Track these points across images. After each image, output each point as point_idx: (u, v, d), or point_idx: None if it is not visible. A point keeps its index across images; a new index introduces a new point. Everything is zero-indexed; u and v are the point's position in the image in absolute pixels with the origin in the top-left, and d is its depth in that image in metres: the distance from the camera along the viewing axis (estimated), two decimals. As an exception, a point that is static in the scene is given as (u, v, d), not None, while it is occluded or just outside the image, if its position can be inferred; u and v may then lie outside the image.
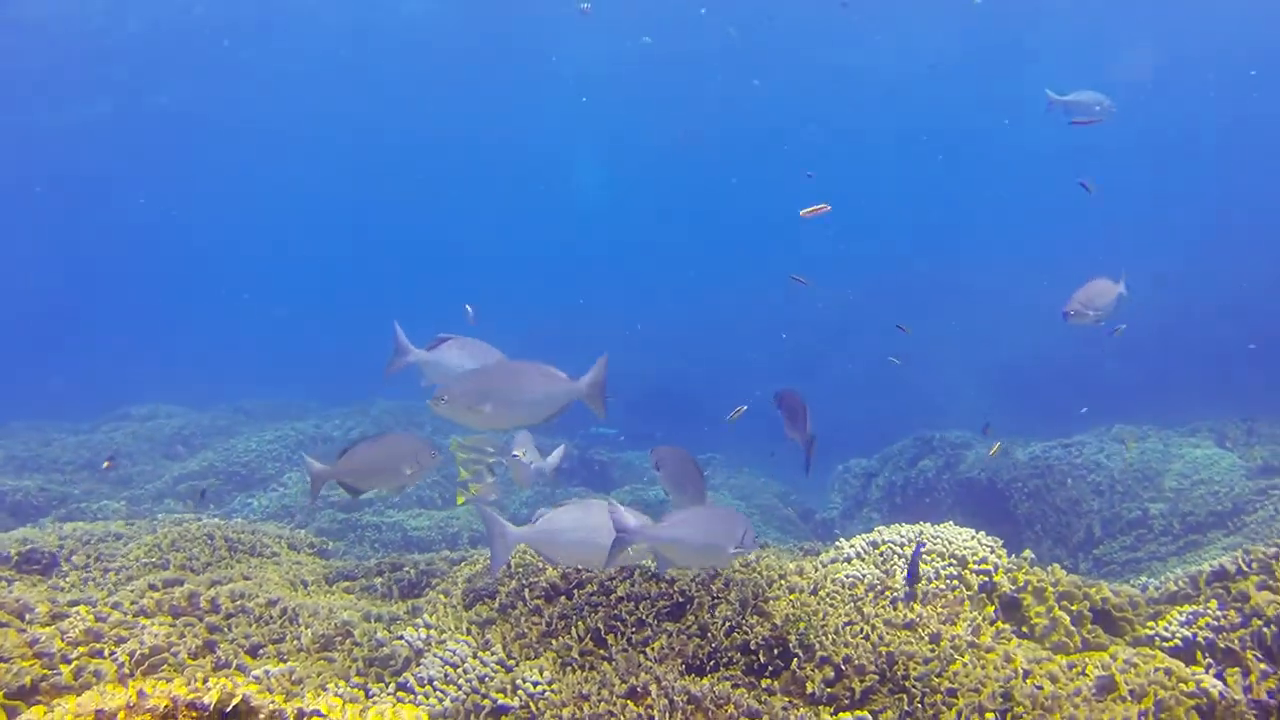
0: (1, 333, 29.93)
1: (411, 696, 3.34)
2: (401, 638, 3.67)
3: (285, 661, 3.57)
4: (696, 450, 3.90)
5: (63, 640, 3.30)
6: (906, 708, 3.19)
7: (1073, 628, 3.95)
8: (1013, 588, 4.09)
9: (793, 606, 3.68)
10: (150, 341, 29.85)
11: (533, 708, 3.17)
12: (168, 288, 37.49)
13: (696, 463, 3.82)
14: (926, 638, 3.58)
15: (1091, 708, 3.17)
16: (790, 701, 3.20)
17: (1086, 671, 3.45)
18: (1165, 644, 3.87)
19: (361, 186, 35.94)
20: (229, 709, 2.14)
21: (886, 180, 32.06)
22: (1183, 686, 3.31)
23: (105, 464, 10.43)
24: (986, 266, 24.18)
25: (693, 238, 35.93)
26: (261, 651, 3.70)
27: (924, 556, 4.20)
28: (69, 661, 3.19)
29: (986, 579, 4.13)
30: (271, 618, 3.99)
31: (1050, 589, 4.07)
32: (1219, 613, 3.83)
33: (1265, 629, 3.58)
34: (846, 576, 4.09)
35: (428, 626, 3.74)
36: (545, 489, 9.57)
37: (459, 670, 3.42)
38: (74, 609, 3.58)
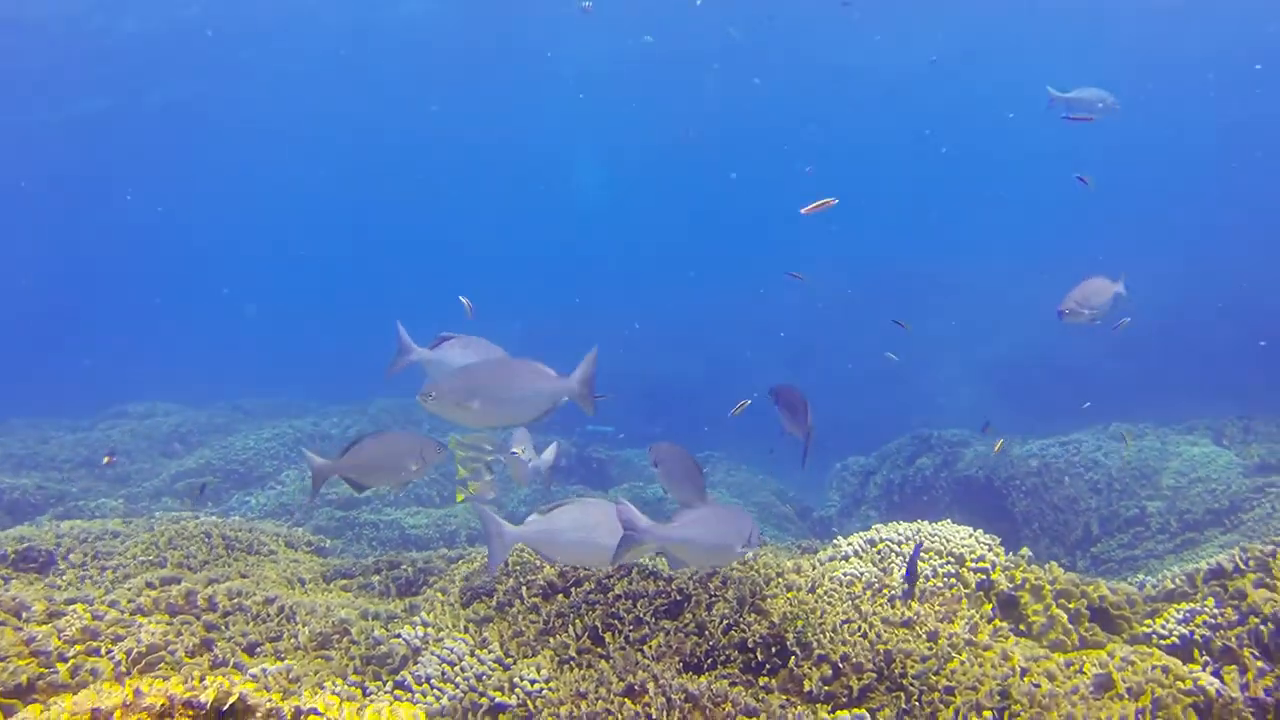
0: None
1: (409, 695, 3.33)
2: (399, 636, 3.67)
3: (282, 660, 3.57)
4: (694, 448, 3.91)
5: (59, 638, 3.29)
6: (904, 705, 3.19)
7: (1070, 626, 3.95)
8: (1010, 586, 4.09)
9: (790, 604, 3.68)
10: (148, 340, 29.84)
11: (530, 706, 3.17)
12: (166, 286, 37.47)
13: (695, 460, 3.82)
14: (924, 636, 3.58)
15: (1089, 706, 3.17)
16: (788, 699, 3.20)
17: (1084, 669, 3.45)
18: (1162, 642, 3.87)
19: (359, 185, 35.94)
20: (226, 707, 2.14)
21: (886, 178, 32.09)
22: (1180, 684, 3.31)
23: (106, 459, 10.43)
24: (985, 264, 24.19)
25: (692, 237, 35.95)
26: (259, 650, 3.70)
27: (921, 554, 4.20)
28: (66, 660, 3.19)
29: (984, 577, 4.13)
30: (269, 616, 3.99)
31: (1048, 587, 4.08)
32: (1216, 610, 3.83)
33: (1262, 627, 3.59)
34: (844, 574, 4.09)
35: (425, 624, 3.74)
36: (538, 487, 9.57)
37: (456, 668, 3.42)
38: (71, 607, 3.58)
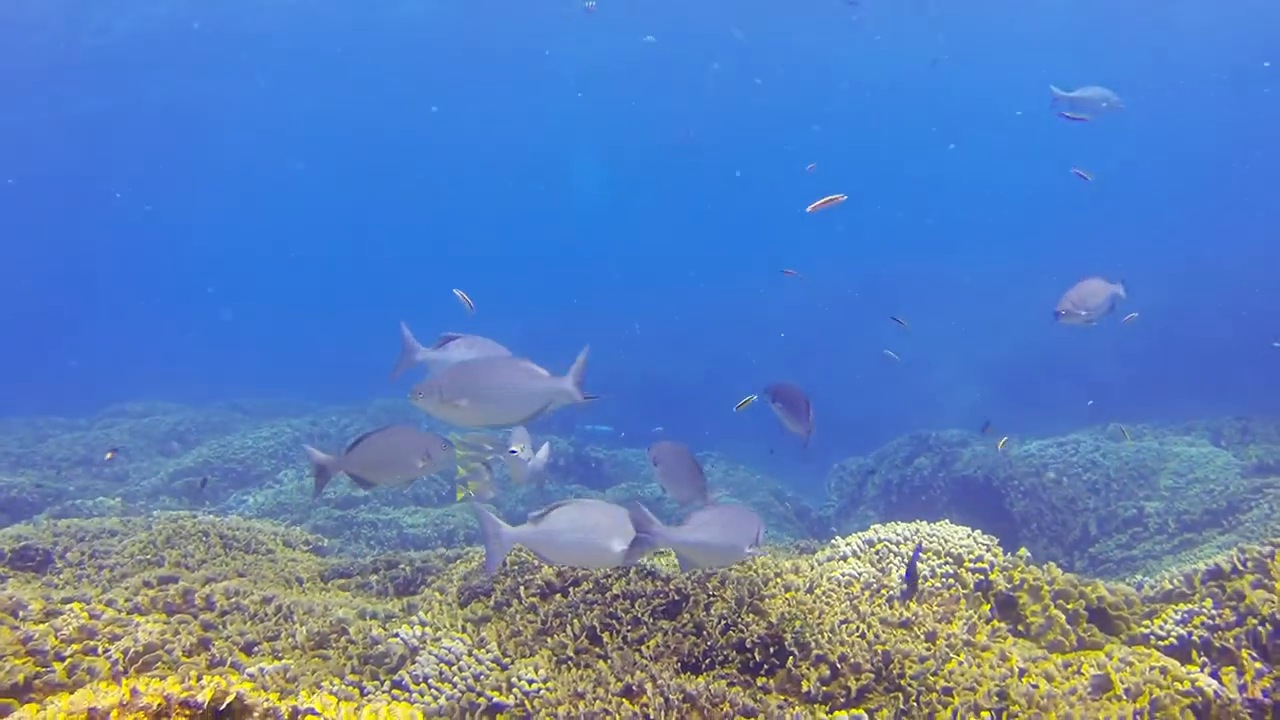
0: (-1, 329, 29.94)
1: (406, 694, 3.33)
2: (397, 635, 3.66)
3: (280, 659, 3.56)
4: (693, 447, 3.90)
5: (56, 638, 3.29)
6: (902, 706, 3.19)
7: (1068, 626, 3.95)
8: (1008, 586, 4.09)
9: (788, 605, 3.68)
10: (145, 339, 29.81)
11: (528, 706, 3.16)
12: (165, 287, 37.46)
13: (695, 459, 3.83)
14: (922, 636, 3.58)
15: (1087, 706, 3.17)
16: (786, 700, 3.19)
17: (1082, 670, 3.45)
18: (1161, 643, 3.88)
19: (358, 185, 35.92)
20: (223, 707, 2.13)
21: (886, 179, 32.07)
22: (1178, 685, 3.31)
23: (108, 455, 10.43)
24: (985, 264, 24.21)
25: (692, 237, 35.95)
26: (256, 649, 3.69)
27: (920, 555, 4.20)
28: (62, 659, 3.18)
29: (982, 577, 4.13)
30: (266, 615, 3.98)
31: (1046, 587, 4.07)
32: (1214, 611, 3.83)
33: (1260, 628, 3.59)
34: (842, 575, 4.09)
35: (423, 624, 3.73)
36: (532, 487, 9.57)
37: (454, 668, 3.41)
38: (68, 606, 3.57)
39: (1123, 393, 12.92)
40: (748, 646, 3.43)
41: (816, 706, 3.20)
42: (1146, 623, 4.06)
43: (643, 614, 3.62)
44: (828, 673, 3.28)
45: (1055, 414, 11.45)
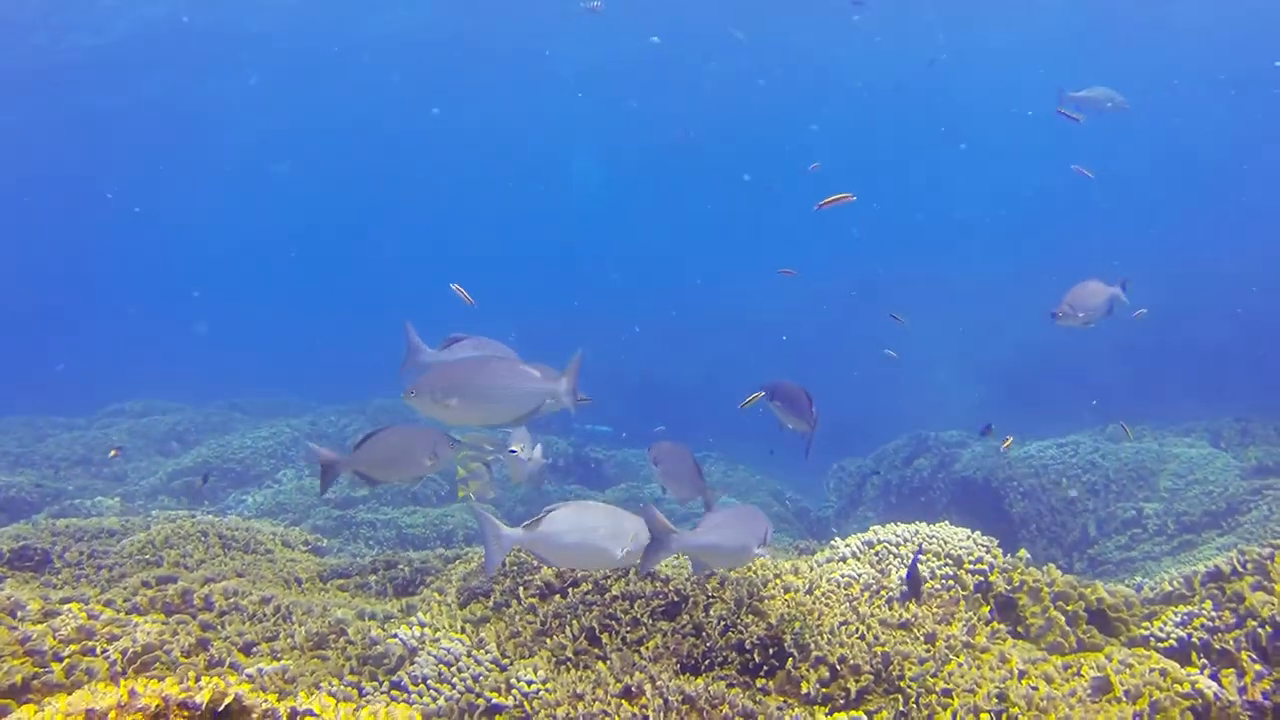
0: (-2, 328, 29.91)
1: (405, 695, 3.32)
2: (395, 636, 3.66)
3: (279, 660, 3.56)
4: (692, 448, 3.90)
5: (54, 638, 3.28)
6: (902, 708, 3.19)
7: (1068, 628, 3.95)
8: (1008, 588, 4.09)
9: (788, 606, 3.68)
10: (143, 340, 29.80)
11: (527, 707, 3.16)
12: (163, 287, 37.42)
13: (695, 459, 3.83)
14: (922, 638, 3.57)
15: (1087, 709, 3.17)
16: (785, 701, 3.19)
17: (1082, 672, 3.45)
18: (1160, 645, 3.87)
19: (358, 185, 35.91)
20: (221, 708, 2.13)
21: (886, 178, 32.08)
22: (1178, 687, 3.31)
23: (112, 453, 10.42)
24: (983, 264, 24.22)
25: (691, 237, 35.95)
26: (255, 649, 3.69)
27: (920, 557, 4.20)
28: (61, 659, 3.18)
29: (982, 579, 4.13)
30: (265, 615, 3.98)
31: (1046, 589, 4.07)
32: (1214, 614, 3.83)
33: (1260, 630, 3.59)
34: (842, 576, 4.09)
35: (422, 625, 3.73)
36: (530, 487, 9.57)
37: (453, 669, 3.41)
38: (66, 606, 3.56)
39: (1122, 394, 12.92)
40: (747, 648, 3.42)
41: (816, 708, 3.19)
42: (1146, 624, 4.05)
43: (642, 615, 3.61)
44: (827, 674, 3.28)
45: (1055, 415, 11.44)
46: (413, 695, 3.32)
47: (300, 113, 27.36)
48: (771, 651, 3.41)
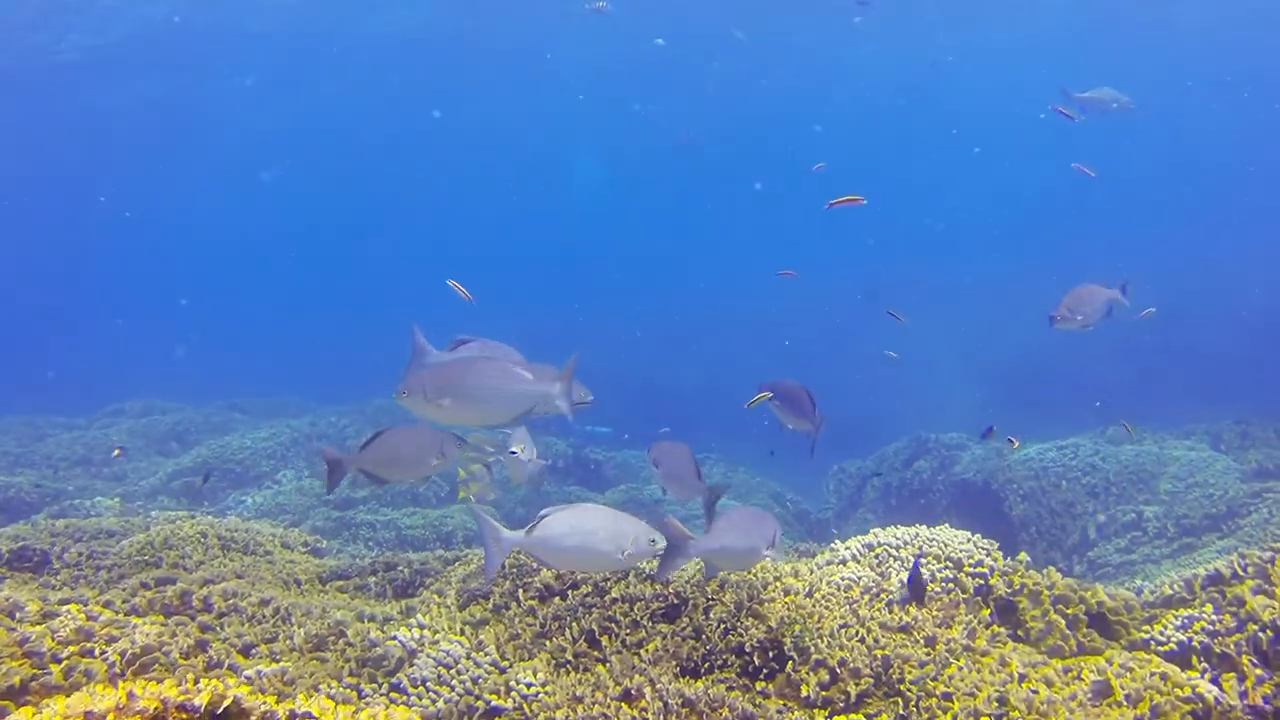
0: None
1: (404, 698, 3.32)
2: (395, 638, 3.65)
3: (278, 661, 3.55)
4: (693, 448, 3.90)
5: (53, 639, 3.27)
6: (902, 711, 3.18)
7: (1068, 631, 3.94)
8: (1008, 591, 4.08)
9: (788, 609, 3.67)
10: (146, 338, 29.78)
11: (526, 710, 3.15)
12: (163, 286, 37.43)
13: (695, 459, 3.83)
14: (922, 641, 3.57)
15: (1087, 712, 3.16)
16: (785, 705, 3.18)
17: (1082, 676, 3.44)
18: (1161, 648, 3.87)
19: (359, 186, 35.91)
20: (220, 711, 2.12)
21: (886, 179, 32.07)
22: (1178, 691, 3.30)
23: (115, 452, 10.42)
24: (984, 265, 24.20)
25: (692, 238, 35.95)
26: (254, 651, 3.68)
27: (920, 561, 4.20)
28: (59, 661, 3.17)
29: (982, 582, 4.12)
30: (264, 617, 3.97)
31: (1046, 592, 4.07)
32: (1214, 617, 3.82)
33: (1261, 634, 3.58)
34: (842, 579, 4.08)
35: (421, 627, 3.72)
36: (529, 488, 9.57)
37: (452, 671, 3.40)
38: (65, 608, 3.56)
39: (1123, 396, 12.91)
40: (747, 650, 3.42)
41: (816, 711, 3.19)
42: (1146, 628, 4.05)
43: (641, 617, 3.61)
44: (827, 677, 3.27)
45: (1055, 417, 11.43)
46: (412, 697, 3.31)
47: (301, 113, 27.36)
48: (771, 654, 3.40)
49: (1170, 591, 4.36)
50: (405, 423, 3.58)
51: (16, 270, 34.67)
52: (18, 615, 3.47)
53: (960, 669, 3.35)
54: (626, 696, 3.04)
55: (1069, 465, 9.25)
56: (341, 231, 40.79)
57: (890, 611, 3.77)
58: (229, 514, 8.85)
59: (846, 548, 4.47)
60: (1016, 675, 3.36)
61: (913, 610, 3.77)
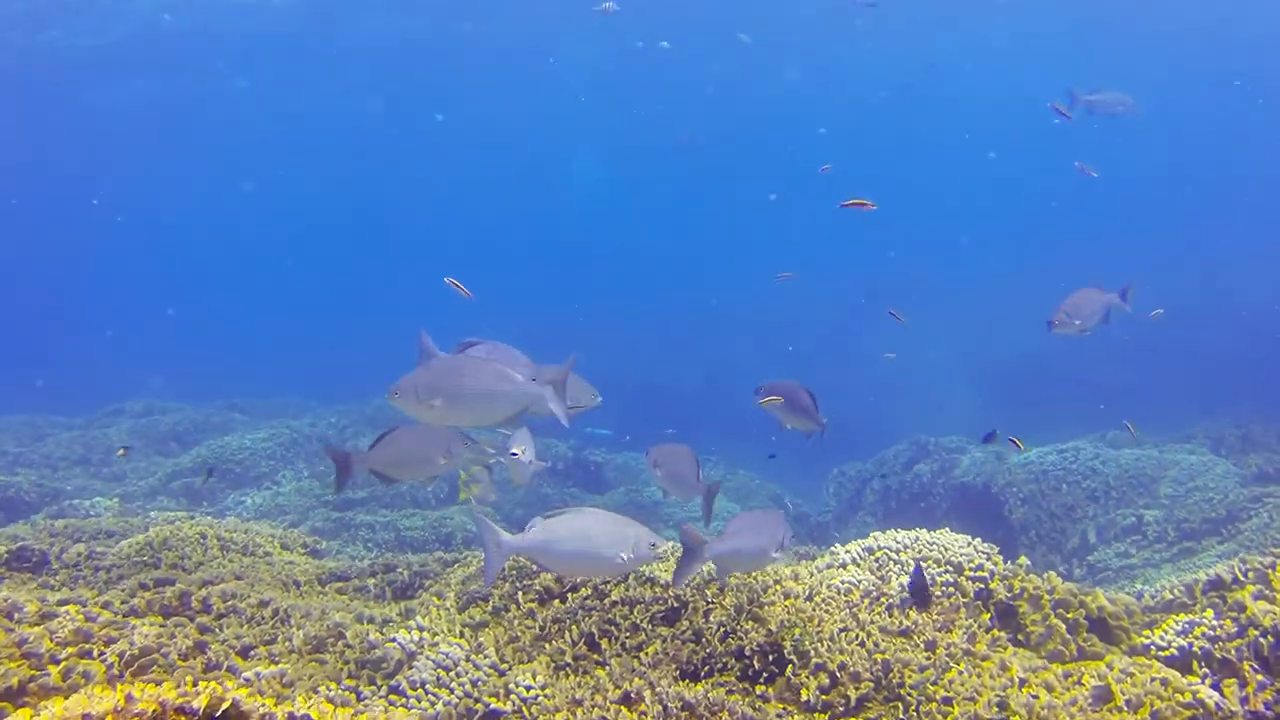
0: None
1: (403, 700, 3.31)
2: (394, 640, 3.65)
3: (276, 663, 3.55)
4: (693, 450, 3.91)
5: (51, 640, 3.27)
6: (902, 716, 3.17)
7: (1069, 636, 3.94)
8: (1008, 595, 4.07)
9: (788, 612, 3.66)
10: (146, 338, 29.77)
11: (525, 712, 3.14)
12: (164, 287, 37.41)
13: (695, 459, 3.83)
14: (922, 645, 3.56)
15: (1088, 718, 3.15)
16: (785, 709, 3.18)
17: (1083, 680, 3.43)
18: (1161, 653, 3.85)
19: (359, 186, 35.91)
20: (219, 713, 2.12)
21: (887, 180, 32.06)
22: (1179, 697, 3.29)
23: (120, 452, 10.41)
24: (984, 268, 24.19)
25: (693, 240, 35.93)
26: (253, 653, 3.67)
27: (920, 565, 4.19)
28: (57, 662, 3.16)
29: (982, 586, 4.11)
30: (263, 619, 3.96)
31: (1046, 596, 4.06)
32: (1215, 622, 3.82)
33: (1262, 639, 3.57)
34: (842, 582, 4.07)
35: (420, 629, 3.71)
36: (529, 489, 9.57)
37: (452, 674, 3.40)
38: (64, 608, 3.55)
39: (1123, 399, 12.90)
40: (747, 654, 3.41)
41: (816, 715, 3.18)
42: (1147, 633, 4.04)
43: (641, 620, 3.60)
44: (827, 681, 3.26)
45: (1055, 420, 11.42)
46: (411, 700, 3.30)
47: (302, 113, 27.37)
48: (771, 658, 3.40)
49: (1171, 596, 4.35)
50: (411, 423, 3.58)
51: (12, 271, 34.68)
52: (16, 616, 3.46)
53: (961, 673, 3.35)
54: (626, 700, 3.03)
55: (1069, 469, 9.24)
56: (342, 232, 40.80)
57: (890, 615, 3.76)
58: (228, 515, 8.84)
59: (846, 551, 4.47)
60: (1017, 680, 3.36)
61: (913, 614, 3.76)
